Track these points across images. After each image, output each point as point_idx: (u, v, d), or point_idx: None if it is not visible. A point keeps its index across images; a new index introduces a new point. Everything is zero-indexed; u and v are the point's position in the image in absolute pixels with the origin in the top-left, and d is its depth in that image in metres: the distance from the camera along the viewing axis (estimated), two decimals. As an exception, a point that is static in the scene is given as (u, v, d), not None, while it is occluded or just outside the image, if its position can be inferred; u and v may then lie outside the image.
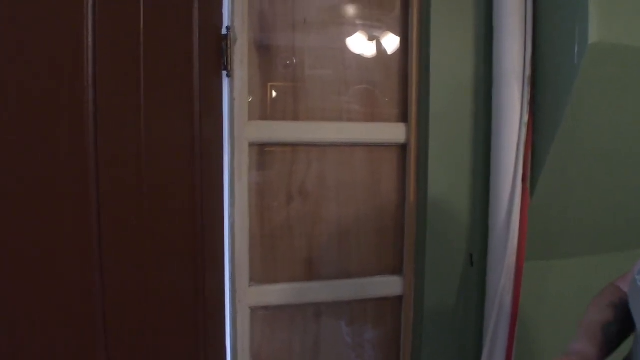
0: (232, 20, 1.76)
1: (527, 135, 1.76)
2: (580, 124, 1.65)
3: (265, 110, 1.86)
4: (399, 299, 2.05)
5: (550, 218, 1.87)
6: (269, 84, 1.86)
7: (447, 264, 1.94)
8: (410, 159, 1.96)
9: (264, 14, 1.84)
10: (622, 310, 1.12)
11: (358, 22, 1.91)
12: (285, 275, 1.93)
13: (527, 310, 1.92)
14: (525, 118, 1.75)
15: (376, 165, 1.98)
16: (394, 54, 1.96)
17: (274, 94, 1.86)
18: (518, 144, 1.76)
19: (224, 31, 1.76)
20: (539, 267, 1.93)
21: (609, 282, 1.25)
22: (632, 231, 1.99)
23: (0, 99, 1.34)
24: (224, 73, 1.78)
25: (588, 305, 1.18)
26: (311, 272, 1.96)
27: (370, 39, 1.92)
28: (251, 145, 1.83)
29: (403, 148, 1.98)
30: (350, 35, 1.91)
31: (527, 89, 1.75)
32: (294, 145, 1.90)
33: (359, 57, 1.92)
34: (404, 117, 1.97)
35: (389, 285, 2.02)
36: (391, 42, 1.94)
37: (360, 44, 1.91)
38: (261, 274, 1.91)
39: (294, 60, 1.87)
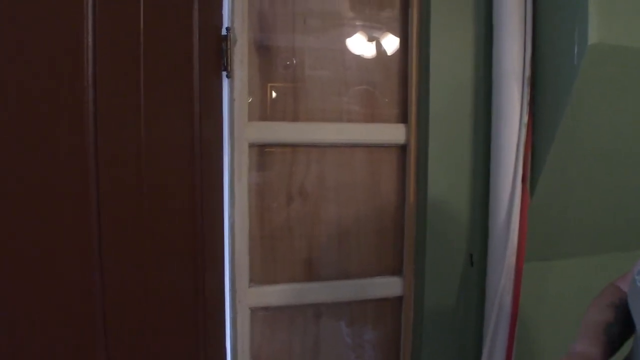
0: (232, 20, 1.76)
1: (527, 135, 1.76)
2: (580, 124, 1.65)
3: (265, 111, 1.86)
4: (399, 299, 2.05)
5: (550, 218, 1.87)
6: (269, 85, 1.86)
7: (447, 264, 1.94)
8: (410, 159, 1.96)
9: (263, 14, 1.84)
10: (623, 311, 1.11)
11: (358, 22, 1.92)
12: (285, 276, 1.93)
13: (527, 311, 1.92)
14: (525, 118, 1.75)
15: (376, 166, 1.98)
16: (394, 54, 1.96)
17: (274, 94, 1.86)
18: (518, 145, 1.77)
19: (223, 32, 1.76)
20: (539, 268, 1.93)
21: (608, 283, 1.25)
22: (632, 231, 1.99)
23: (0, 99, 1.34)
24: (224, 74, 1.78)
25: (588, 306, 1.17)
26: (311, 272, 1.96)
27: (370, 39, 1.92)
28: (251, 145, 1.83)
29: (403, 149, 1.98)
30: (350, 35, 1.91)
31: (527, 90, 1.75)
32: (294, 146, 1.90)
33: (358, 58, 1.92)
34: (403, 118, 1.97)
35: (389, 286, 2.02)
36: (391, 43, 1.95)
37: (360, 45, 1.91)
38: (261, 274, 1.91)
39: (294, 61, 1.87)
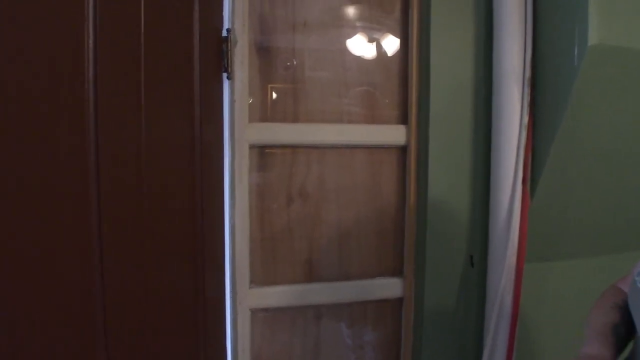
0: (232, 22, 1.76)
1: (527, 136, 1.76)
2: (580, 125, 1.65)
3: (265, 112, 1.86)
4: (399, 300, 2.05)
5: (551, 219, 1.87)
6: (269, 86, 1.86)
7: (447, 265, 1.94)
8: (410, 160, 1.96)
9: (264, 16, 1.84)
10: (627, 312, 1.11)
11: (358, 24, 1.92)
12: (286, 277, 1.94)
13: (527, 311, 1.91)
14: (525, 119, 1.75)
15: (376, 167, 1.98)
16: (394, 55, 1.96)
17: (274, 95, 1.86)
18: (518, 146, 1.77)
19: (224, 33, 1.77)
20: (539, 268, 1.93)
21: (610, 284, 1.24)
22: (632, 232, 1.99)
23: (0, 99, 1.34)
24: (225, 75, 1.78)
25: (592, 308, 1.16)
26: (311, 274, 1.96)
27: (370, 40, 1.93)
28: (251, 147, 1.84)
29: (403, 150, 1.98)
30: (350, 37, 1.91)
31: (527, 91, 1.75)
32: (294, 147, 1.90)
33: (359, 59, 1.93)
34: (404, 119, 1.97)
35: (389, 287, 2.02)
36: (391, 44, 1.95)
37: (360, 46, 1.92)
38: (261, 275, 1.91)
39: (294, 62, 1.87)
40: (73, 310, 1.47)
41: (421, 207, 1.94)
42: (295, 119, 1.88)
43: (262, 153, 1.87)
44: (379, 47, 1.94)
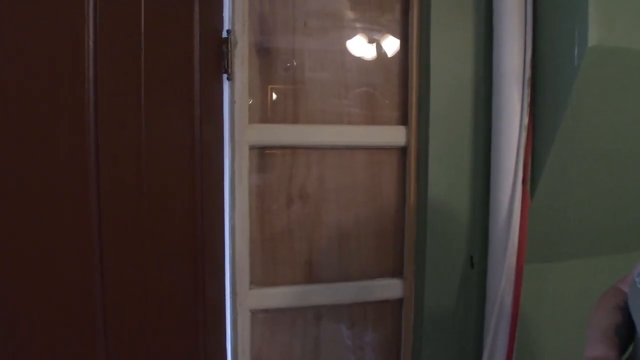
0: (232, 23, 1.76)
1: (527, 137, 1.76)
2: (580, 125, 1.65)
3: (265, 113, 1.86)
4: (400, 301, 2.04)
5: (551, 219, 1.87)
6: (269, 87, 1.86)
7: (447, 266, 1.94)
8: (410, 161, 1.96)
9: (264, 16, 1.84)
10: (629, 313, 1.10)
11: (358, 24, 1.92)
12: (286, 278, 1.93)
13: (527, 312, 1.91)
14: (525, 120, 1.75)
15: (376, 168, 1.98)
16: (394, 56, 1.96)
17: (274, 96, 1.86)
18: (518, 146, 1.77)
19: (224, 34, 1.77)
20: (540, 269, 1.93)
21: (610, 286, 1.24)
22: (632, 232, 1.99)
23: (0, 99, 1.34)
24: (225, 76, 1.78)
25: (594, 309, 1.15)
26: (311, 274, 1.96)
27: (370, 41, 1.93)
28: (251, 148, 1.83)
29: (403, 151, 1.98)
30: (350, 37, 1.91)
31: (527, 91, 1.75)
32: (294, 148, 1.90)
33: (359, 60, 1.93)
34: (404, 120, 1.97)
35: (389, 288, 2.02)
36: (391, 45, 1.95)
37: (360, 47, 1.92)
38: (261, 276, 1.90)
39: (294, 63, 1.87)
40: (73, 310, 1.47)
41: (421, 207, 1.94)
42: (295, 120, 1.88)
43: (262, 154, 1.87)
44: (379, 48, 1.94)
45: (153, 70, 1.58)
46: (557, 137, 1.66)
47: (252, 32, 1.82)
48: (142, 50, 1.56)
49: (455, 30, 1.86)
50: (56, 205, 1.43)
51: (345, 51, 1.91)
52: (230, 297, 1.85)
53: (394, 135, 1.96)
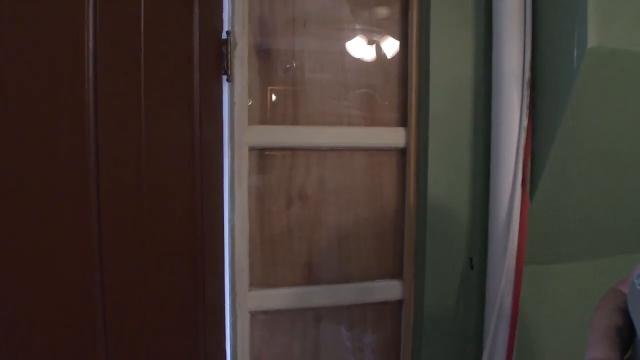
0: (232, 24, 1.77)
1: (527, 138, 1.76)
2: (579, 126, 1.66)
3: (265, 114, 1.86)
4: (399, 303, 2.04)
5: (550, 221, 1.87)
6: (269, 88, 1.86)
7: (447, 267, 1.94)
8: (410, 163, 1.96)
9: (263, 18, 1.84)
10: (629, 314, 1.10)
11: (358, 26, 1.92)
12: (285, 280, 1.93)
13: (527, 313, 1.91)
14: (525, 122, 1.75)
15: (376, 170, 1.98)
16: (394, 57, 1.96)
17: (274, 97, 1.87)
18: (517, 148, 1.77)
19: (224, 35, 1.77)
20: (539, 270, 1.93)
21: (610, 287, 1.24)
22: (632, 234, 1.99)
23: (0, 99, 1.34)
24: (224, 77, 1.78)
25: (594, 311, 1.15)
26: (311, 276, 1.96)
27: (370, 42, 1.93)
28: (251, 149, 1.84)
29: (403, 152, 1.99)
30: (349, 39, 1.91)
31: (527, 93, 1.75)
32: (294, 150, 1.90)
33: (358, 61, 1.93)
34: (403, 121, 1.97)
35: (389, 290, 2.02)
36: (391, 46, 1.95)
37: (359, 48, 1.92)
38: (261, 278, 1.91)
39: (294, 64, 1.87)
40: (73, 310, 1.47)
41: (421, 209, 1.95)
42: (294, 121, 1.89)
43: (262, 155, 1.87)
44: (379, 49, 1.94)
45: (153, 71, 1.58)
46: (557, 138, 1.67)
47: (252, 34, 1.83)
48: (142, 51, 1.56)
49: (455, 31, 1.86)
50: (56, 205, 1.43)
51: (344, 52, 1.92)
52: (230, 298, 1.85)
53: (394, 136, 1.96)
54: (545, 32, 1.73)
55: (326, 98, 1.91)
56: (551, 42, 1.70)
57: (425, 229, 1.91)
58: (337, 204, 1.96)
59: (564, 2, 1.60)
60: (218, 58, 1.76)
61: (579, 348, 1.15)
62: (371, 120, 1.95)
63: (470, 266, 1.94)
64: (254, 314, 1.89)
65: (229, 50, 1.76)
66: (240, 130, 1.79)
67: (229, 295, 1.85)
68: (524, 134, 1.75)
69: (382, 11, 1.94)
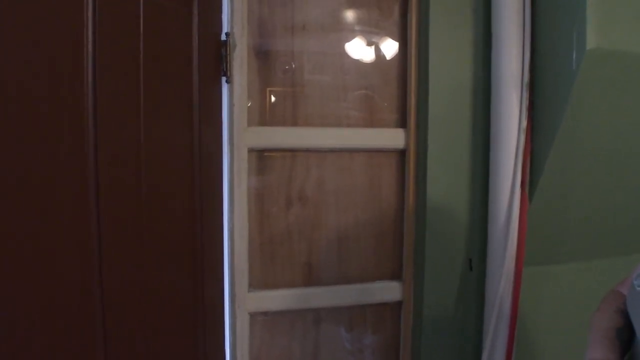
0: (231, 26, 1.77)
1: (526, 140, 1.76)
2: (578, 128, 1.66)
3: (264, 116, 1.87)
4: (399, 304, 2.05)
5: (549, 222, 1.87)
6: (268, 89, 1.87)
7: (446, 268, 1.94)
8: (409, 164, 1.96)
9: (263, 19, 1.85)
10: (628, 316, 1.10)
11: (357, 27, 1.93)
12: (285, 281, 1.94)
13: (526, 314, 1.91)
14: (524, 123, 1.76)
15: (375, 171, 1.99)
16: (393, 59, 1.97)
17: (273, 99, 1.87)
18: (517, 150, 1.77)
19: (223, 37, 1.78)
20: (538, 271, 1.93)
21: (610, 288, 1.24)
22: (631, 235, 1.99)
23: (0, 99, 1.34)
24: (223, 79, 1.79)
25: (595, 312, 1.15)
26: (310, 277, 1.96)
27: (369, 44, 1.93)
28: (250, 150, 1.84)
29: (402, 153, 1.99)
30: (349, 40, 1.92)
31: (526, 95, 1.75)
32: (293, 151, 1.90)
33: (358, 63, 1.93)
34: (402, 123, 1.98)
35: (389, 291, 2.02)
36: (390, 48, 1.95)
37: (359, 50, 1.92)
38: (260, 279, 1.91)
39: (293, 66, 1.88)
40: (72, 311, 1.46)
41: (420, 210, 1.95)
42: (294, 123, 1.89)
43: (261, 157, 1.88)
44: (378, 51, 1.94)
45: (152, 72, 1.58)
46: (557, 139, 1.67)
47: (251, 35, 1.83)
48: (141, 52, 1.56)
49: (454, 33, 1.87)
50: (55, 205, 1.42)
51: (344, 54, 1.92)
52: (229, 300, 1.85)
53: (393, 137, 1.97)
54: (545, 33, 1.73)
55: (325, 99, 1.91)
56: (550, 44, 1.70)
57: (425, 230, 1.91)
58: (337, 205, 1.96)
59: (563, 3, 1.60)
60: (217, 59, 1.76)
61: (578, 349, 1.15)
62: (370, 121, 1.96)
63: (470, 267, 1.94)
64: (253, 315, 1.90)
65: (228, 52, 1.77)
66: (239, 132, 1.80)
67: (229, 296, 1.85)
68: (523, 135, 1.75)
69: (381, 13, 1.94)
